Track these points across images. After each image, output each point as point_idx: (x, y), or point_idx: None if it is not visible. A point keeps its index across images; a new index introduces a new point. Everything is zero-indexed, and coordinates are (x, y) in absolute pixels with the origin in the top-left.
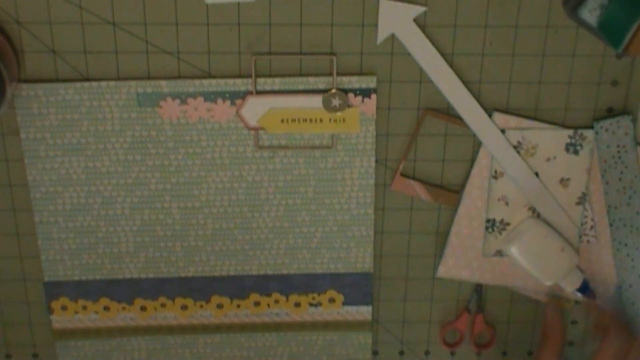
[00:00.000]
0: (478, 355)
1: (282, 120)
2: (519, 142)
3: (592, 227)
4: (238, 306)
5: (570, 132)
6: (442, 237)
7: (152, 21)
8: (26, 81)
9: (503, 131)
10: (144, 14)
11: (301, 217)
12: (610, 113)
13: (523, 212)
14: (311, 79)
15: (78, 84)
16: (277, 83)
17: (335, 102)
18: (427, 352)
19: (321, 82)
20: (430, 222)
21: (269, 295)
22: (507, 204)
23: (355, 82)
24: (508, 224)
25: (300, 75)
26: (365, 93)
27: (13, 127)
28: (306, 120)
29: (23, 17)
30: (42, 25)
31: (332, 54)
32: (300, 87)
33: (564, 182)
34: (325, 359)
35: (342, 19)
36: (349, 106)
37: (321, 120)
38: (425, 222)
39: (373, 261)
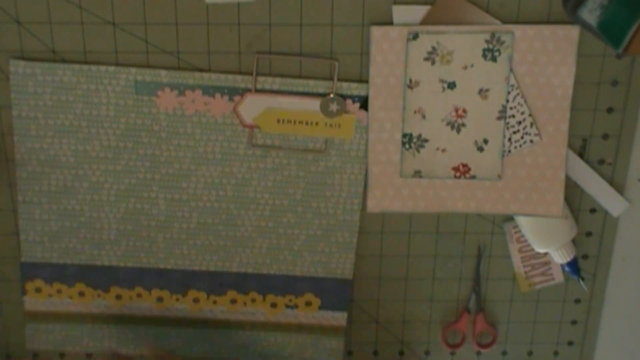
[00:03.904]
0: (478, 355)
1: (278, 121)
2: (434, 48)
3: (532, 125)
4: (214, 302)
5: (487, 36)
6: (442, 237)
7: (152, 21)
8: (24, 59)
9: (416, 36)
10: (144, 14)
11: (286, 218)
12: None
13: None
14: (311, 82)
15: (77, 66)
16: (277, 83)
17: (333, 107)
18: (427, 352)
19: (321, 86)
20: (430, 222)
21: (246, 293)
22: (423, 117)
23: (354, 88)
24: (426, 140)
25: (300, 77)
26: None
27: (4, 103)
28: (302, 122)
29: (23, 17)
30: (42, 25)
31: (334, 59)
32: (300, 89)
33: (482, 93)
34: None
35: (342, 19)
36: (345, 112)
37: (317, 124)
38: (425, 222)
39: (353, 268)
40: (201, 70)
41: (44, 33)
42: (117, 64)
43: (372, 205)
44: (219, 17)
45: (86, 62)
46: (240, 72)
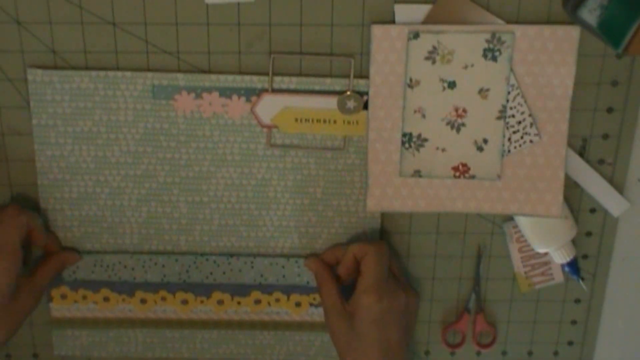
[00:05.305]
0: (478, 355)
1: (296, 120)
2: (434, 48)
3: (532, 125)
4: (239, 303)
5: (488, 35)
6: (442, 237)
7: (152, 21)
8: (41, 67)
9: (417, 35)
10: (144, 14)
11: (307, 217)
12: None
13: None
14: (327, 80)
15: (94, 73)
16: (293, 82)
17: (350, 104)
18: (427, 352)
19: (337, 84)
20: (430, 222)
21: (270, 293)
22: (423, 116)
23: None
24: (426, 139)
25: (316, 75)
26: None
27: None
28: (320, 120)
29: (23, 17)
30: (42, 25)
31: (350, 56)
32: (316, 87)
33: (482, 92)
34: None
35: (342, 19)
36: (364, 109)
37: (335, 122)
38: (425, 222)
39: None
40: (205, 71)
41: (44, 33)
42: (117, 64)
43: (371, 205)
44: (219, 17)
45: (105, 68)
46: (240, 72)
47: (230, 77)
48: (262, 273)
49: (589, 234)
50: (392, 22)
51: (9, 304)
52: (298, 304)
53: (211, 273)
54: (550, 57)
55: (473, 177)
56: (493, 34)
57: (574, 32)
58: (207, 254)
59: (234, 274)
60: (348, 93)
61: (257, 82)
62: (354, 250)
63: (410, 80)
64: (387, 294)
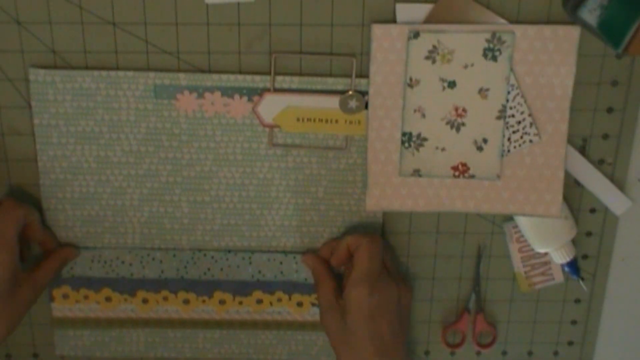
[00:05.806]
0: (478, 355)
1: (298, 119)
2: (434, 47)
3: (532, 125)
4: (240, 303)
5: (488, 35)
6: (442, 237)
7: (152, 21)
8: (43, 67)
9: (417, 35)
10: (144, 14)
11: (309, 216)
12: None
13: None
14: (329, 80)
15: (96, 72)
16: (295, 81)
17: (352, 103)
18: (427, 352)
19: (339, 83)
20: (430, 222)
21: (272, 293)
22: (423, 116)
23: None
24: (425, 138)
25: (318, 75)
26: None
27: (5, 103)
28: (322, 120)
29: (23, 17)
30: (42, 25)
31: (351, 55)
32: (319, 86)
33: (482, 92)
34: (324, 359)
35: (343, 18)
36: (365, 108)
37: (336, 121)
38: (425, 222)
39: None
40: (206, 71)
41: (44, 33)
42: (117, 65)
43: (371, 204)
44: (219, 17)
45: (105, 68)
46: (240, 72)
47: (232, 77)
48: (260, 269)
49: (589, 234)
50: (393, 21)
51: (9, 298)
52: (300, 304)
53: (209, 269)
54: (550, 57)
55: (473, 176)
56: (493, 34)
57: (574, 32)
58: (205, 250)
59: (232, 270)
60: (350, 93)
61: (259, 81)
62: (348, 241)
63: (410, 79)
64: (378, 287)
